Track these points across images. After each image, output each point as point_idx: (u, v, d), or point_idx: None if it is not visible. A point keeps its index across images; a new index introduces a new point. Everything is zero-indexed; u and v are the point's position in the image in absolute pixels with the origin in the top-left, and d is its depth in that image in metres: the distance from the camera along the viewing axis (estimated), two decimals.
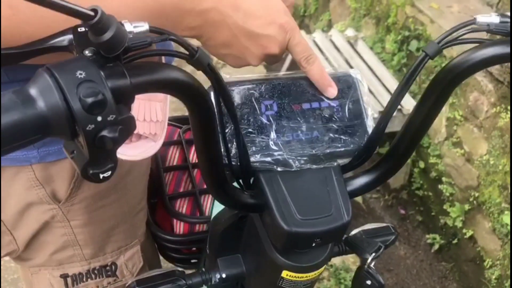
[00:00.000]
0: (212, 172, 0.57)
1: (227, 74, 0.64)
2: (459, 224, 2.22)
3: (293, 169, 0.62)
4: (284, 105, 0.63)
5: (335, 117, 0.65)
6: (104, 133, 0.38)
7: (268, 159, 0.61)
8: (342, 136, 0.64)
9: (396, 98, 0.61)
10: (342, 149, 0.64)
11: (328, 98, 0.65)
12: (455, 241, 2.29)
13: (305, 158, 0.62)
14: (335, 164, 0.64)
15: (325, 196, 0.62)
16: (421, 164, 2.47)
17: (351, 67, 2.72)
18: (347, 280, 1.86)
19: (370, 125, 0.66)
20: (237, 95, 0.62)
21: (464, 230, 2.22)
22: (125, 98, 0.41)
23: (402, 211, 2.55)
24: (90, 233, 0.77)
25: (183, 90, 0.47)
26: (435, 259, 2.37)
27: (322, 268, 0.68)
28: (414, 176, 2.53)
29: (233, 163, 0.60)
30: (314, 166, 0.63)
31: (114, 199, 0.77)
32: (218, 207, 0.79)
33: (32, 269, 0.81)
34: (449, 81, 0.58)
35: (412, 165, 2.53)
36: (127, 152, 0.66)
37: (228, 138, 0.60)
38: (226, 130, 0.60)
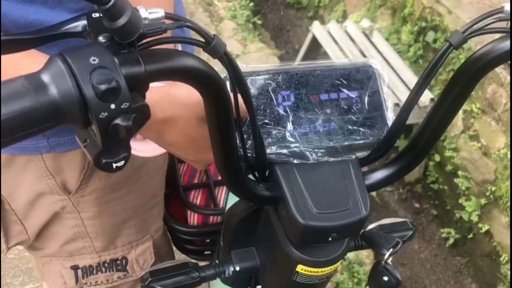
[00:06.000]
0: (227, 163, 0.56)
1: (244, 63, 0.63)
2: (475, 218, 2.19)
3: (310, 162, 0.60)
4: (302, 95, 0.62)
5: (354, 108, 0.63)
6: (118, 121, 0.37)
7: (285, 151, 0.60)
8: (361, 128, 0.62)
9: (418, 90, 0.58)
10: (361, 141, 0.62)
11: (347, 89, 0.63)
12: (470, 235, 2.26)
13: (322, 151, 0.61)
14: (353, 157, 0.63)
15: (343, 190, 0.60)
16: (437, 158, 2.44)
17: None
18: (361, 273, 1.84)
19: (390, 117, 0.64)
20: (253, 85, 0.60)
21: (480, 225, 2.19)
22: (139, 85, 0.40)
23: (417, 205, 2.52)
24: (100, 226, 0.77)
25: (199, 78, 0.45)
26: (450, 254, 2.34)
27: (338, 263, 0.66)
28: (429, 170, 2.50)
29: (248, 155, 0.59)
30: (332, 159, 0.62)
31: (125, 192, 0.76)
32: (233, 199, 0.78)
33: (44, 259, 0.80)
34: (473, 72, 0.56)
35: (428, 158, 2.49)
36: (139, 147, 0.65)
37: (243, 129, 0.59)
38: (242, 121, 0.58)
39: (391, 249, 0.68)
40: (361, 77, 0.64)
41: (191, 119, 0.57)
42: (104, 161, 0.39)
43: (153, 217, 0.85)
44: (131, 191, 0.78)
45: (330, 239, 0.60)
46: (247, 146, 0.59)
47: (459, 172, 2.28)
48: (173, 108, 0.56)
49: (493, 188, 2.11)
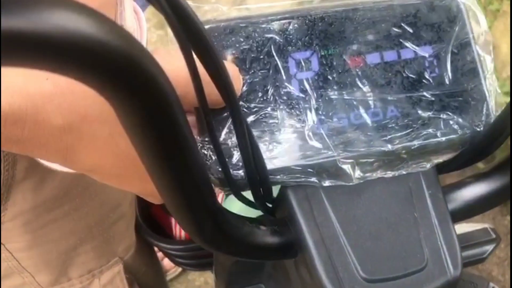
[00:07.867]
0: (188, 204, 0.29)
1: (224, 5, 0.35)
2: None
3: (351, 183, 0.33)
4: (332, 59, 0.34)
5: (428, 77, 0.35)
6: None
7: (304, 164, 0.33)
8: (441, 115, 0.35)
9: None
10: (443, 138, 0.35)
11: (413, 42, 0.35)
12: None
13: (372, 160, 0.33)
14: (428, 165, 0.35)
15: (412, 232, 0.33)
16: None
17: None
18: None
19: (492, 90, 0.36)
20: (240, 46, 0.33)
21: None
22: None
23: None
24: (40, 257, 0.56)
25: (88, 60, 0.18)
26: None
27: None
28: None
29: (237, 175, 0.32)
30: (390, 174, 0.34)
31: (69, 210, 0.54)
32: (233, 204, 0.53)
33: None
34: None
35: None
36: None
37: (227, 132, 0.32)
38: (224, 114, 0.31)
39: None
40: (437, 20, 0.36)
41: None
42: None
43: (119, 233, 0.62)
44: (78, 207, 0.55)
45: None
46: (234, 161, 0.32)
47: None
48: (83, 103, 0.28)
49: None
